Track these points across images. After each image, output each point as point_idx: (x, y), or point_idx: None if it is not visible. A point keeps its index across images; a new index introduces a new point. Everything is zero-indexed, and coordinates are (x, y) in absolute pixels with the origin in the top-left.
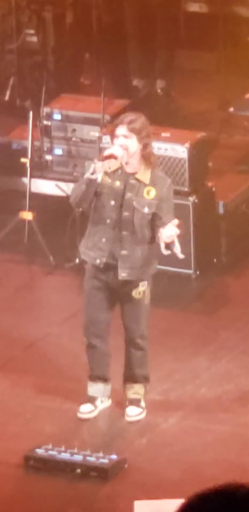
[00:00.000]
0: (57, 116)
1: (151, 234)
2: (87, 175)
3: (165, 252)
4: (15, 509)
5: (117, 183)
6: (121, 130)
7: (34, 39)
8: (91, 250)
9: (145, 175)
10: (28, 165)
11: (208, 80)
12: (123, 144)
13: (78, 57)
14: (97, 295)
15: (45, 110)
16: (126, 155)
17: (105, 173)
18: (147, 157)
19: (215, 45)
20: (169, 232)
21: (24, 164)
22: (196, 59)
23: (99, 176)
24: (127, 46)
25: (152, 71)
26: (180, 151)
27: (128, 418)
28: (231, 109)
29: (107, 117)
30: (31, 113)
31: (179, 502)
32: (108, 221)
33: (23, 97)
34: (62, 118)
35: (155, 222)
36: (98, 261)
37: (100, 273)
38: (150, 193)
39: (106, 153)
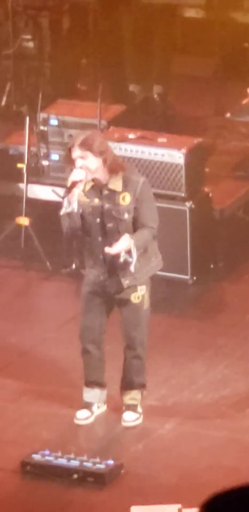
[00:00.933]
0: (53, 122)
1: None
2: (63, 210)
3: (121, 259)
4: None
5: (96, 200)
6: (75, 153)
7: (31, 44)
8: (93, 268)
9: (116, 183)
10: (24, 170)
11: (204, 85)
12: (82, 165)
13: (75, 63)
14: (94, 300)
15: (42, 115)
16: (89, 174)
17: (83, 194)
18: (111, 168)
19: (211, 50)
20: (117, 246)
21: (20, 170)
22: (192, 64)
23: (75, 206)
24: (124, 51)
25: (149, 76)
26: (176, 156)
27: (124, 424)
28: (228, 115)
29: (104, 123)
30: (27, 119)
31: (175, 507)
32: (100, 238)
33: (19, 102)
34: (58, 124)
35: (135, 224)
36: (102, 277)
37: (101, 286)
38: (125, 199)
39: (69, 182)
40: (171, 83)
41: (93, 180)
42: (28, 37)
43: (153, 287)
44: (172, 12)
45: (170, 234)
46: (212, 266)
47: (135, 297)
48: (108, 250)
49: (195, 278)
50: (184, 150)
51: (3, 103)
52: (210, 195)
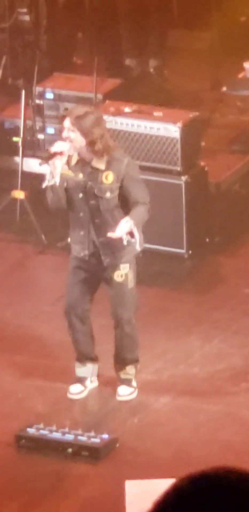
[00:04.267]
0: (49, 95)
1: (124, 215)
2: (46, 183)
3: (124, 242)
4: (6, 488)
5: (80, 175)
6: (66, 123)
7: (27, 18)
8: (75, 243)
9: (100, 162)
10: (20, 144)
11: (201, 59)
12: (68, 137)
13: (71, 36)
14: (78, 276)
15: (38, 89)
16: (72, 149)
17: (68, 168)
18: (95, 152)
19: (208, 24)
20: (120, 230)
21: (16, 143)
22: (189, 38)
23: (57, 179)
24: (120, 25)
25: (145, 50)
26: (172, 130)
27: (119, 398)
28: (224, 89)
29: (99, 96)
30: (23, 92)
31: (170, 481)
32: (81, 214)
33: (15, 76)
34: (54, 97)
35: (127, 204)
36: (82, 253)
37: (84, 262)
38: (108, 178)
39: (52, 151)
40: (167, 57)
41: (79, 155)
42: (24, 10)
43: (149, 261)
44: None
45: (166, 208)
46: (207, 240)
47: (117, 275)
48: (111, 235)
49: (190, 252)
50: (179, 124)
51: None
52: (206, 169)
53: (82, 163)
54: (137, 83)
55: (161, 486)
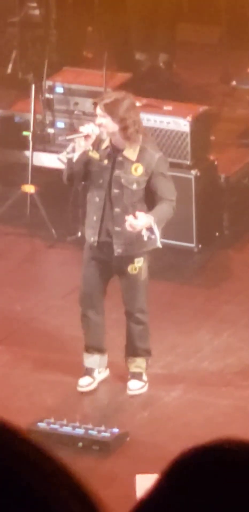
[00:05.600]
0: (59, 89)
1: (146, 210)
2: (63, 154)
3: (145, 237)
4: None
5: (105, 161)
6: (97, 110)
7: (37, 12)
8: (88, 228)
9: (132, 152)
10: (30, 138)
11: (210, 53)
12: (100, 123)
13: (81, 30)
14: (94, 266)
15: (48, 83)
16: (105, 134)
17: (96, 151)
18: (128, 138)
19: (217, 18)
20: (139, 222)
21: (26, 137)
22: (198, 32)
23: (75, 155)
24: (129, 19)
25: (154, 44)
26: (182, 124)
27: (129, 392)
28: (234, 83)
29: (109, 90)
30: (33, 86)
31: None
32: (97, 199)
33: (25, 70)
34: (64, 91)
35: (153, 198)
36: (92, 239)
37: (96, 250)
38: (138, 170)
39: (80, 130)
40: (177, 51)
41: (110, 142)
42: (34, 4)
43: (159, 255)
44: None
45: (176, 202)
46: (217, 234)
47: (131, 269)
48: (130, 228)
49: (200, 246)
50: (189, 118)
51: (9, 71)
52: (216, 163)
53: (114, 150)
54: (147, 77)
55: None
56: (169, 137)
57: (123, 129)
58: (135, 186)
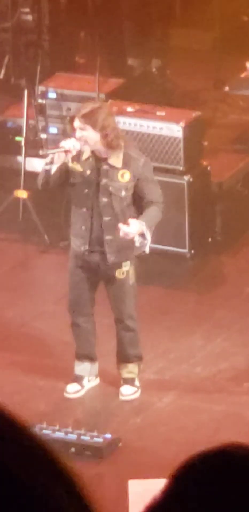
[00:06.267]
0: (52, 95)
1: (134, 215)
2: (44, 164)
3: (137, 243)
4: None
5: (88, 172)
6: (76, 123)
7: (29, 17)
8: (76, 238)
9: (116, 159)
10: (23, 143)
11: (203, 59)
12: (81, 137)
13: (74, 36)
14: (79, 275)
15: (40, 88)
16: (87, 146)
17: (77, 162)
18: (110, 145)
19: (210, 24)
20: (132, 229)
21: (19, 143)
22: (191, 38)
23: (53, 168)
24: (122, 25)
25: (147, 50)
26: (175, 130)
27: (122, 397)
28: (227, 88)
29: (102, 96)
30: (26, 92)
31: None
32: (84, 209)
33: (18, 75)
34: (57, 97)
35: (140, 202)
36: (82, 248)
37: (84, 258)
38: (124, 176)
39: (60, 145)
40: (170, 56)
41: (92, 152)
42: (27, 10)
43: (151, 260)
44: None
45: (168, 207)
46: (210, 239)
47: (119, 273)
48: (123, 230)
49: (193, 251)
50: (182, 124)
51: (1, 76)
52: (209, 168)
53: (96, 160)
54: (140, 82)
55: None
56: (161, 142)
57: (105, 136)
58: (123, 193)
